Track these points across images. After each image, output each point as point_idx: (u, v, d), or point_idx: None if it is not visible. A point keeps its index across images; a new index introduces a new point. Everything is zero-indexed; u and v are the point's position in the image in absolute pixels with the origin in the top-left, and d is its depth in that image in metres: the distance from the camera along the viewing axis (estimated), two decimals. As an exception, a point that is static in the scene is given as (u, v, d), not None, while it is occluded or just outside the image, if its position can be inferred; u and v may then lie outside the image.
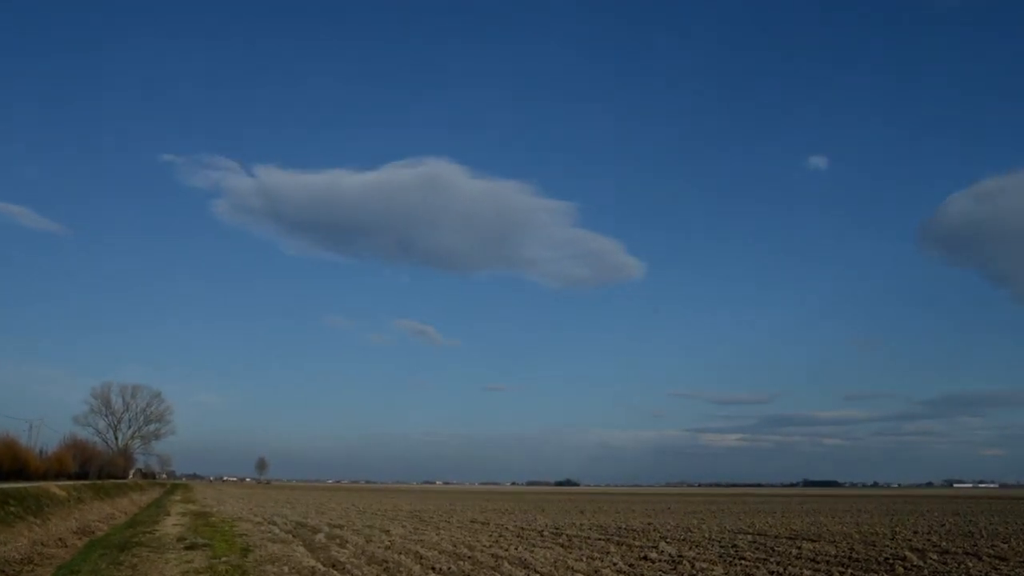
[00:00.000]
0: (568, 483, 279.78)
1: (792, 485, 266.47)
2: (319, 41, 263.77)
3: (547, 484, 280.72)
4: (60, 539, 22.92)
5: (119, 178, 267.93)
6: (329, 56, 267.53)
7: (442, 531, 26.64)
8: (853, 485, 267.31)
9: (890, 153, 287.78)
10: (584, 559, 17.52)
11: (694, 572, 15.26)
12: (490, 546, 20.59)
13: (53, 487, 35.08)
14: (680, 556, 18.05)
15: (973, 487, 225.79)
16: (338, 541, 22.10)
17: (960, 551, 19.28)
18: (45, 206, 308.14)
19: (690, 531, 27.27)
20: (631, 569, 15.68)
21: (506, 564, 16.16)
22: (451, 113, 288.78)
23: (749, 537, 24.29)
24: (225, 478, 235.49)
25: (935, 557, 17.92)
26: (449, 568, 15.51)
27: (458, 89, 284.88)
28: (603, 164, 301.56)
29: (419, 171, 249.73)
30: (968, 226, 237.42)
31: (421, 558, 17.49)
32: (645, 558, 17.69)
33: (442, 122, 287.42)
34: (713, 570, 15.39)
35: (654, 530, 27.69)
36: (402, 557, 17.62)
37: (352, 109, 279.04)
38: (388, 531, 26.17)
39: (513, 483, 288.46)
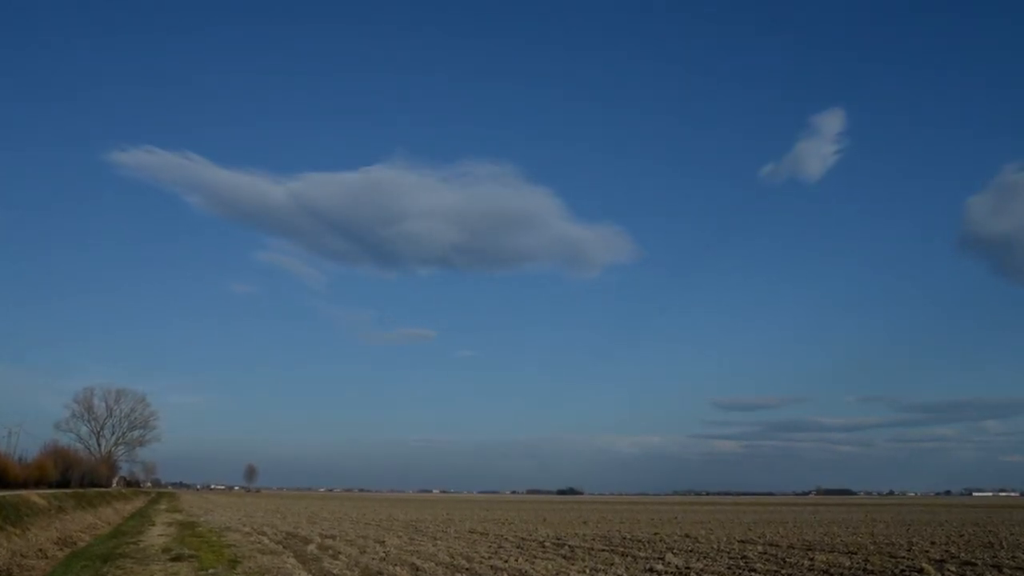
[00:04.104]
0: (570, 491, 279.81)
1: (804, 493, 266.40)
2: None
3: (548, 492, 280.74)
4: (40, 550, 22.89)
5: (64, 173, 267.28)
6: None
7: (439, 542, 26.63)
8: (868, 493, 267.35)
9: (913, 146, 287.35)
10: (587, 571, 17.51)
11: (702, 585, 15.25)
12: (489, 557, 20.59)
13: (33, 496, 35.04)
14: (687, 568, 18.03)
15: (994, 495, 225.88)
16: (330, 552, 22.10)
17: (980, 562, 19.26)
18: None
19: (698, 541, 27.26)
20: (636, 581, 15.66)
21: (506, 576, 16.15)
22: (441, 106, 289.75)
23: (759, 548, 24.28)
24: (213, 487, 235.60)
25: (954, 569, 17.91)
26: (446, 580, 15.49)
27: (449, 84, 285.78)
28: (597, 152, 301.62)
29: (394, 172, 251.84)
30: (994, 225, 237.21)
31: (417, 570, 17.48)
32: (651, 570, 17.68)
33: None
34: (722, 582, 15.38)
35: (660, 540, 27.68)
36: (397, 569, 17.61)
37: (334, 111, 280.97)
38: (383, 542, 26.17)
39: (513, 491, 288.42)
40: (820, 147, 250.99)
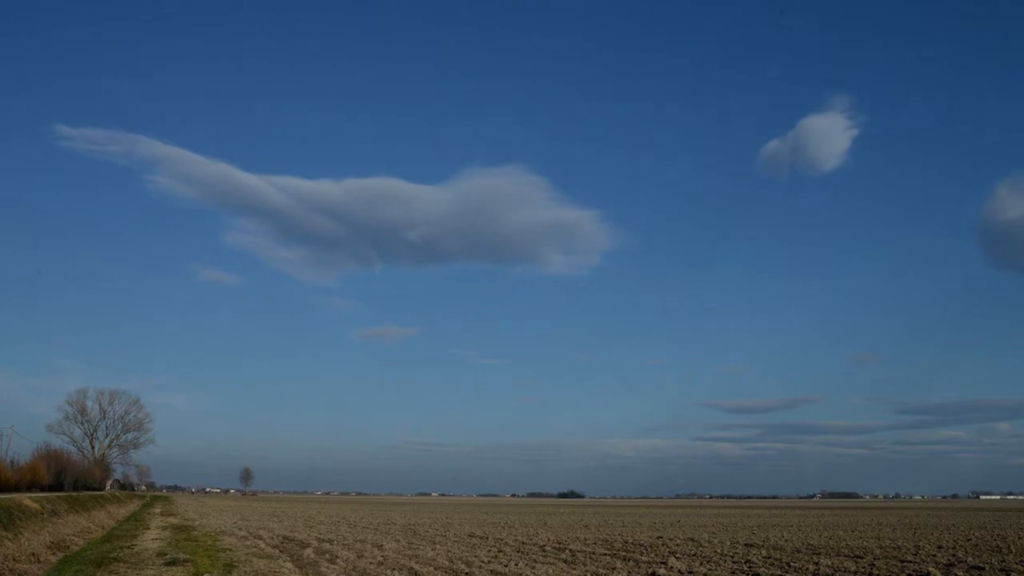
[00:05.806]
0: (572, 495, 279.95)
1: (809, 497, 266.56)
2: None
3: (549, 496, 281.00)
4: (33, 554, 22.87)
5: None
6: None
7: (438, 546, 26.64)
8: (874, 497, 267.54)
9: (918, 144, 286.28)
10: (588, 575, 17.51)
11: (705, 589, 15.25)
12: (489, 562, 20.58)
13: (26, 499, 35.05)
14: (691, 572, 18.04)
15: (1001, 499, 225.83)
16: (327, 556, 22.09)
17: (988, 567, 19.27)
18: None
19: (701, 546, 27.27)
20: (639, 586, 15.65)
21: (506, 581, 16.14)
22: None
23: (763, 552, 24.28)
24: (208, 490, 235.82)
25: (961, 573, 17.92)
26: (445, 585, 15.48)
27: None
28: (593, 140, 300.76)
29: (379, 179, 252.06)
30: (1011, 223, 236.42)
31: (416, 574, 17.48)
32: (653, 574, 17.68)
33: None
34: (726, 587, 15.37)
35: (663, 545, 27.68)
36: (395, 573, 17.61)
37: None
38: (381, 546, 26.17)
39: (513, 495, 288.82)
40: (828, 143, 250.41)
